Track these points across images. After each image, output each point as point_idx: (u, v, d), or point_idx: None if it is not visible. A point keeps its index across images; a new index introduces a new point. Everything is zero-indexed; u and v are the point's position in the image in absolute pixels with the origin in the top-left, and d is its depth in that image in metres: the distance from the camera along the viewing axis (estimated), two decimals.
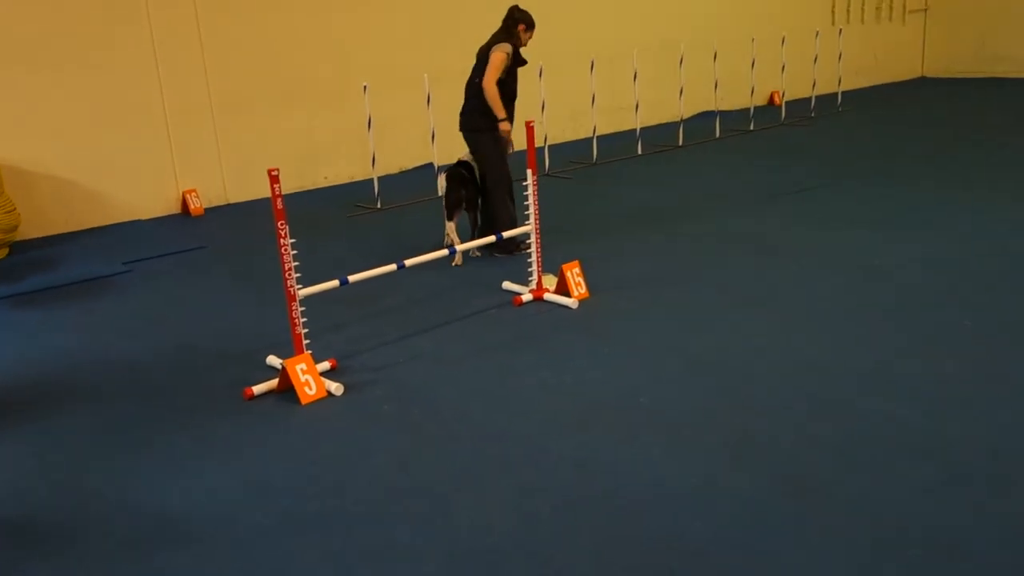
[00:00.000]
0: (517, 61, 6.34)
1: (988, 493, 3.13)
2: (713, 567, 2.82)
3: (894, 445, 3.49)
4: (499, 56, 6.18)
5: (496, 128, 6.30)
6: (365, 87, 8.21)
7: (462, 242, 6.01)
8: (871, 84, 15.52)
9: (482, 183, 6.44)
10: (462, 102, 6.44)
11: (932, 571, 2.73)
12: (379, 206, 8.32)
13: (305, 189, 9.37)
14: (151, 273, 6.64)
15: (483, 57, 6.31)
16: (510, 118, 6.36)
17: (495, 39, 6.30)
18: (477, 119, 6.34)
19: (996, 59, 15.58)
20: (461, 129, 6.46)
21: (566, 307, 5.31)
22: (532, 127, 5.40)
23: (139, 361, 4.90)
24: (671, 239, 6.67)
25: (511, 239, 6.10)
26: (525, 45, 6.39)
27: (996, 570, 2.73)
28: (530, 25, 6.34)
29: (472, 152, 6.47)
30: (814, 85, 12.67)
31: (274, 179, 4.16)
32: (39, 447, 3.95)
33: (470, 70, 6.43)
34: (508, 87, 6.32)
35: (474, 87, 6.33)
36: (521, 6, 6.40)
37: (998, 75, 15.49)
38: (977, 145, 9.81)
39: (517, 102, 6.46)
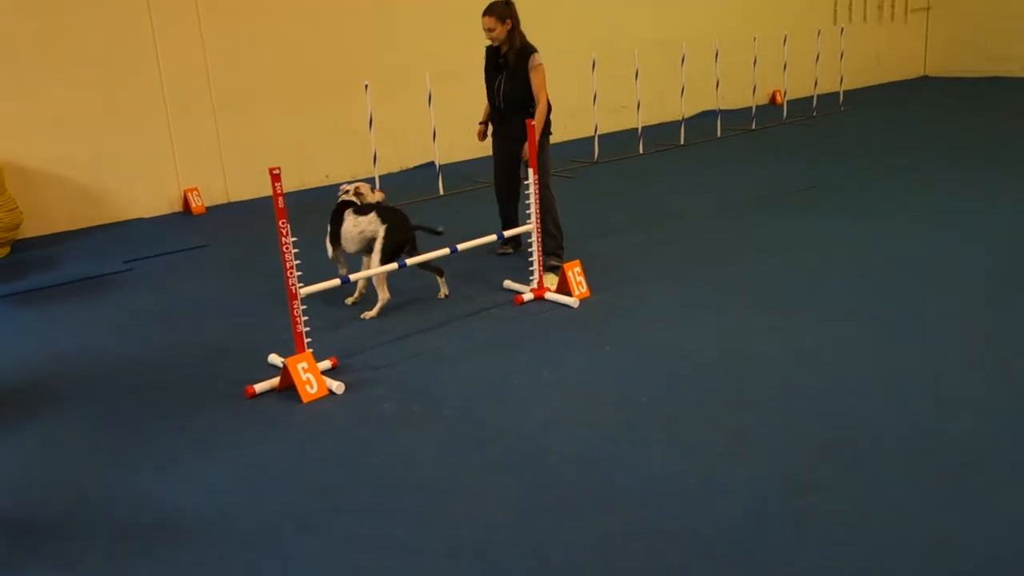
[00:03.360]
0: (497, 63, 6.02)
1: (986, 494, 3.13)
2: (712, 562, 2.83)
3: (893, 444, 3.49)
4: None
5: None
6: (367, 85, 8.21)
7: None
8: (873, 83, 15.50)
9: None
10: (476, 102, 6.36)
11: (929, 570, 2.74)
12: None
13: (306, 187, 9.36)
14: (152, 272, 6.65)
15: None
16: (502, 120, 6.10)
17: None
18: None
19: (999, 58, 15.53)
20: None
21: (567, 306, 5.32)
22: (532, 126, 5.39)
23: (139, 360, 4.91)
24: (673, 238, 6.67)
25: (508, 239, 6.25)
26: (488, 38, 5.93)
27: (993, 569, 2.73)
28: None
29: None
30: (816, 84, 12.66)
31: (275, 178, 4.16)
32: (38, 445, 3.96)
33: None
34: (488, 92, 6.16)
35: None
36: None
37: (1001, 74, 15.46)
38: (982, 145, 9.79)
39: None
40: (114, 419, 4.17)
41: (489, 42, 6.02)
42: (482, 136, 6.40)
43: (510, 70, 5.95)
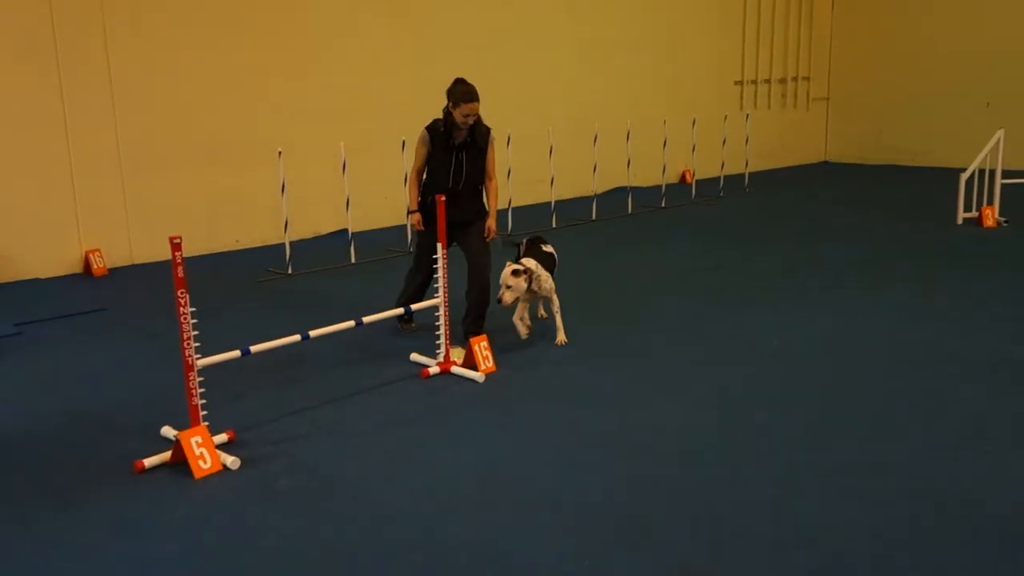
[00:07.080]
0: (449, 144, 5.84)
1: None
2: None
3: (784, 529, 3.56)
4: (415, 143, 5.97)
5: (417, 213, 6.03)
6: (280, 152, 8.18)
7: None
8: (778, 166, 16.20)
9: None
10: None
11: None
12: (290, 272, 8.23)
13: (215, 251, 9.19)
14: (44, 336, 6.39)
15: None
16: (454, 203, 5.80)
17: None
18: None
19: (892, 148, 16.50)
20: None
21: (473, 381, 5.31)
22: (442, 201, 5.44)
23: (22, 431, 4.69)
24: (582, 316, 6.76)
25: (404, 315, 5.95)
26: (465, 123, 5.75)
27: None
28: (457, 101, 5.68)
29: None
30: (723, 166, 13.17)
31: (176, 247, 4.08)
32: None
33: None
34: (437, 174, 5.91)
35: None
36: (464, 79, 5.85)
37: (894, 163, 16.39)
38: (875, 228, 10.29)
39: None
40: None
41: (430, 121, 5.91)
42: (421, 224, 6.03)
43: (475, 150, 5.91)
